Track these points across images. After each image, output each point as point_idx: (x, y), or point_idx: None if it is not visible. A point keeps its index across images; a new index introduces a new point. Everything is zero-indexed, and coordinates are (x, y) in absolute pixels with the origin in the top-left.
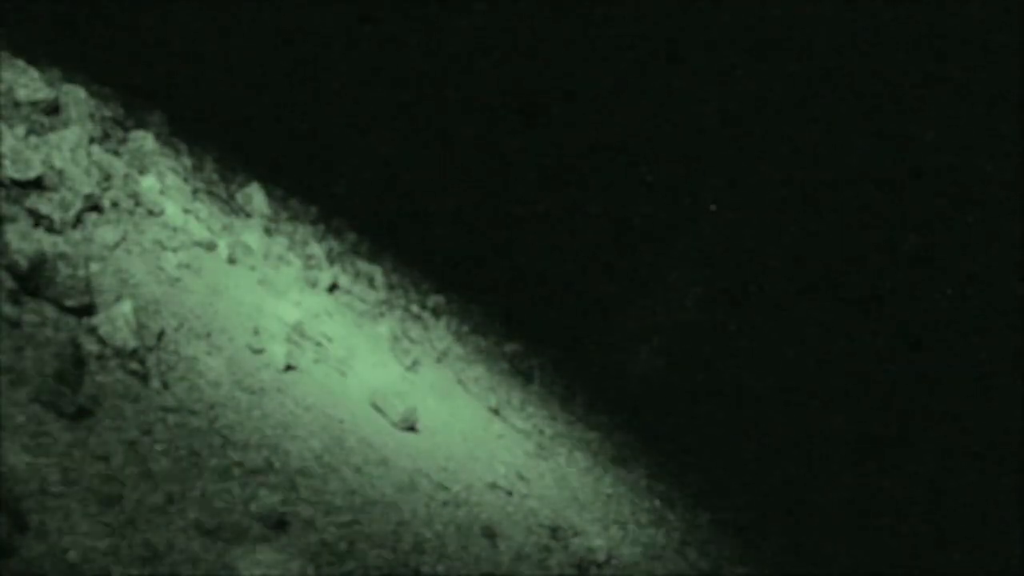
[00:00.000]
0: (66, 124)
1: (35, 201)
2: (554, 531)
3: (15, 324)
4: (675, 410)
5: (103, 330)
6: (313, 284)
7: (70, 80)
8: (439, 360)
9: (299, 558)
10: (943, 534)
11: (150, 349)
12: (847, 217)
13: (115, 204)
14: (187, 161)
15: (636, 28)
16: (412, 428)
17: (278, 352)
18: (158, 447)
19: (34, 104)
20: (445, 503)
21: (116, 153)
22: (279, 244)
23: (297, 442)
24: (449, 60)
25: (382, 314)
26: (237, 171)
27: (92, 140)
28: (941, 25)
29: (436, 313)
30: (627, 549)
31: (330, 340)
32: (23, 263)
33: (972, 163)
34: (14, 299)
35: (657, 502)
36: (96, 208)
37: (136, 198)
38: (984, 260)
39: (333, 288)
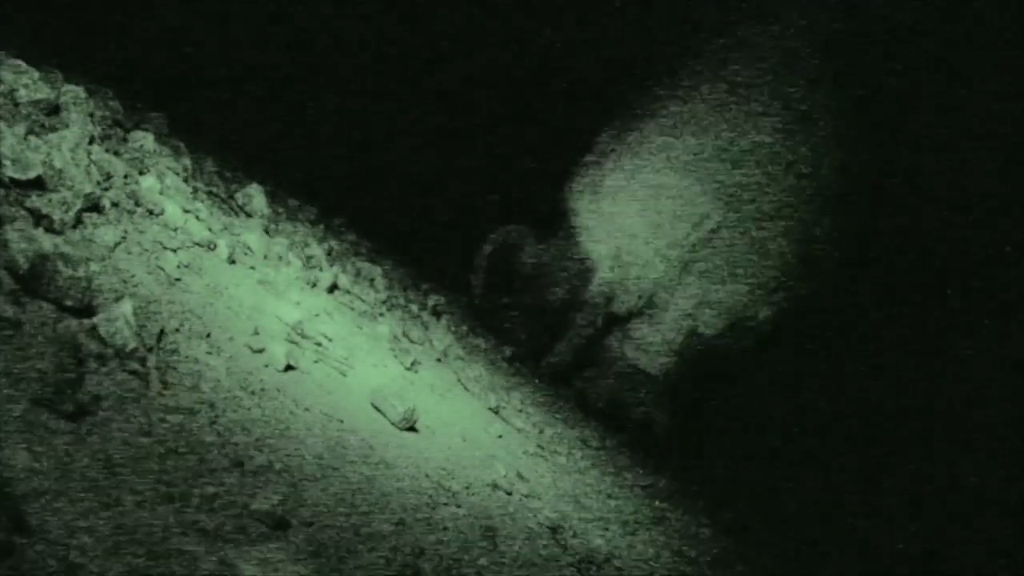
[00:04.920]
0: (66, 124)
1: (35, 201)
2: (554, 531)
3: (15, 324)
4: (677, 409)
5: (103, 330)
6: (313, 284)
7: (70, 80)
8: (439, 360)
9: (299, 558)
10: (947, 536)
11: (150, 349)
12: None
13: (115, 204)
14: (187, 161)
15: None
16: (412, 428)
17: (278, 352)
18: (158, 447)
19: (34, 104)
20: (445, 503)
21: (116, 153)
22: (279, 244)
23: (297, 442)
24: (450, 60)
25: (382, 314)
26: (237, 171)
27: (92, 140)
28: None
29: (436, 313)
30: (627, 549)
31: (330, 340)
32: (23, 263)
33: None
34: (14, 299)
35: (657, 502)
36: (96, 208)
37: (136, 198)
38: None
39: (333, 288)
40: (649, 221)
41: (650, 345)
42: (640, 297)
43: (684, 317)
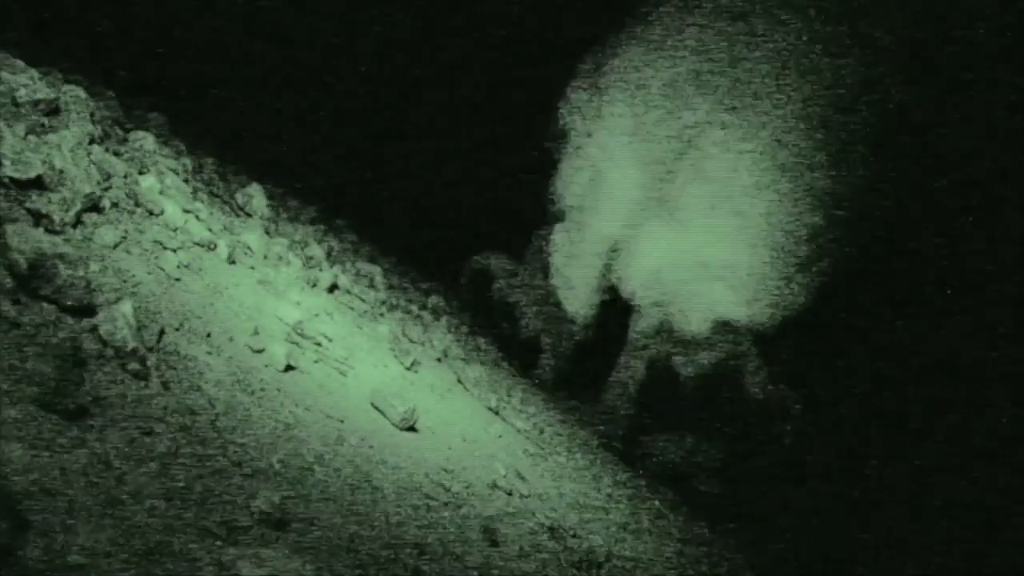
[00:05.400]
0: (66, 124)
1: (35, 201)
2: (554, 531)
3: (15, 324)
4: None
5: (103, 330)
6: (313, 284)
7: (70, 80)
8: (439, 360)
9: (299, 558)
10: (948, 537)
11: (150, 349)
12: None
13: (115, 204)
14: (187, 161)
15: None
16: (412, 428)
17: (278, 352)
18: (158, 447)
19: (34, 104)
20: (445, 503)
21: (116, 153)
22: (279, 244)
23: (297, 442)
24: (451, 60)
25: (382, 314)
26: (237, 171)
27: (92, 140)
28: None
29: (436, 313)
30: (627, 549)
31: (330, 340)
32: (23, 263)
33: None
34: (14, 299)
35: (657, 502)
36: (96, 208)
37: (136, 198)
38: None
39: (333, 288)
40: (650, 149)
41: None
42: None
43: (710, 308)
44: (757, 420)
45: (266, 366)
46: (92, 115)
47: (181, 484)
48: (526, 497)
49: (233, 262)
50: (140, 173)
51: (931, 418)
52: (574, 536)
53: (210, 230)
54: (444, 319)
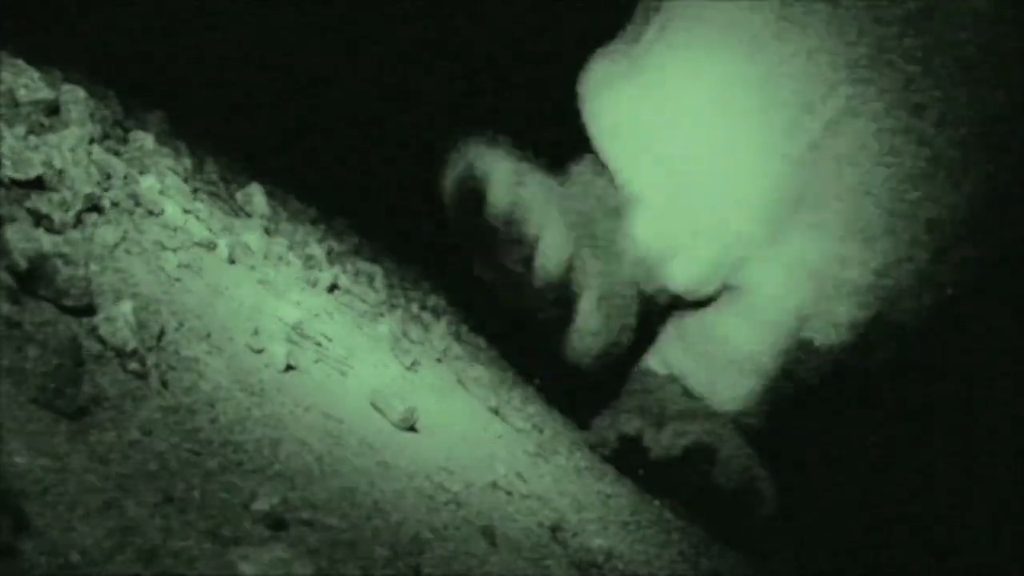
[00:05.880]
0: (66, 124)
1: (35, 201)
2: (554, 531)
3: (15, 324)
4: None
5: (103, 330)
6: (313, 284)
7: (70, 80)
8: (439, 360)
9: (299, 558)
10: (951, 537)
11: (150, 349)
12: None
13: (115, 204)
14: (187, 161)
15: None
16: (412, 428)
17: (278, 352)
18: (158, 447)
19: (34, 104)
20: (445, 503)
21: (116, 153)
22: (279, 244)
23: (297, 442)
24: (454, 59)
25: (382, 314)
26: (237, 171)
27: (92, 140)
28: None
29: (436, 313)
30: (627, 549)
31: (330, 340)
32: (23, 263)
33: None
34: (14, 299)
35: (657, 502)
36: (96, 208)
37: (136, 198)
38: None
39: (333, 288)
40: (721, 122)
41: (719, 358)
42: (712, 264)
43: (783, 308)
44: (724, 508)
45: (266, 366)
46: (92, 115)
47: (181, 484)
48: (526, 497)
49: (233, 262)
50: (140, 173)
51: (931, 418)
52: (574, 536)
53: (210, 230)
54: (444, 319)
